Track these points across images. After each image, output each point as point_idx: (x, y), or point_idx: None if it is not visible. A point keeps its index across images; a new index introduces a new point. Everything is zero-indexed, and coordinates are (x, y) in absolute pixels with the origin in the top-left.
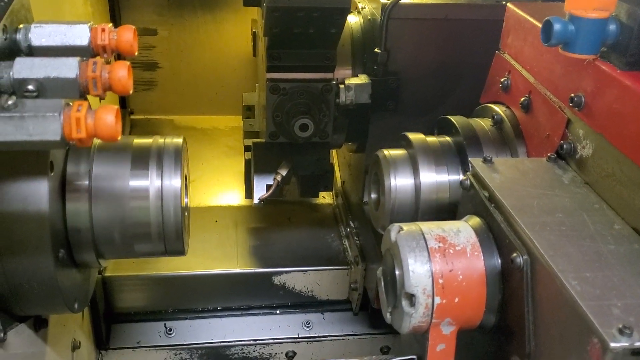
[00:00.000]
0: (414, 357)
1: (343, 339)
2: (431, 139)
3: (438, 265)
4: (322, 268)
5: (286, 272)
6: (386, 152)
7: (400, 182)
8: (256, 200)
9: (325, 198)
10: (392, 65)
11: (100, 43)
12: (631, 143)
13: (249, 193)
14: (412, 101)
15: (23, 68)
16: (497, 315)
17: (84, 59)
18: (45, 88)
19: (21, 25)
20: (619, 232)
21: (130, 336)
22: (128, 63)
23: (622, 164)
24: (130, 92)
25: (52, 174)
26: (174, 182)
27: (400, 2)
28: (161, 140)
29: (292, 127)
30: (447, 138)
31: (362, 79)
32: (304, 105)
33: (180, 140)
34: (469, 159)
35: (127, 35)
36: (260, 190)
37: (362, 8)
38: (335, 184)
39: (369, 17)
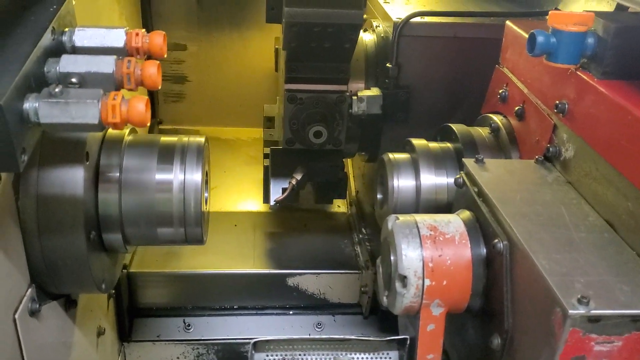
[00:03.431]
0: (407, 337)
1: None
2: (433, 144)
3: (429, 251)
4: (334, 272)
5: (300, 274)
6: (391, 155)
7: (402, 183)
8: (272, 202)
9: (340, 207)
10: (403, 79)
11: (134, 45)
12: (605, 144)
13: (266, 197)
14: (422, 113)
15: (68, 63)
16: (482, 298)
17: (120, 57)
18: (86, 81)
19: (66, 29)
20: (592, 223)
21: (151, 330)
22: (158, 62)
23: (598, 163)
24: (159, 87)
25: (87, 163)
26: (195, 176)
27: (411, 20)
28: (185, 139)
29: (307, 134)
30: (448, 144)
31: (374, 91)
32: (319, 114)
33: (202, 140)
34: (463, 159)
35: (157, 39)
36: (276, 192)
37: (376, 27)
38: (350, 194)
39: (382, 35)
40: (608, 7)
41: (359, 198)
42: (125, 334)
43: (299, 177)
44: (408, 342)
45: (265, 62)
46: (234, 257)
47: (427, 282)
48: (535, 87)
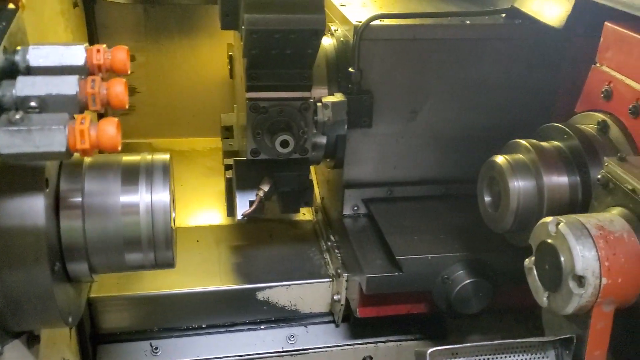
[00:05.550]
0: (572, 335)
1: (327, 351)
2: (544, 144)
3: (603, 250)
4: (305, 282)
5: (270, 287)
6: (501, 157)
7: (523, 183)
8: (239, 216)
9: (305, 215)
10: (366, 84)
11: (95, 62)
12: None
13: (230, 211)
14: (386, 117)
15: (25, 86)
16: None
17: (82, 77)
18: (47, 104)
19: (19, 47)
20: None
21: (117, 356)
22: (124, 80)
23: None
24: (127, 107)
25: (47, 191)
26: (163, 197)
27: (371, 24)
28: (149, 157)
29: (273, 144)
30: (557, 143)
31: (338, 97)
32: (284, 123)
33: (167, 157)
34: (605, 157)
35: (120, 55)
36: (243, 206)
37: (335, 30)
38: (315, 201)
39: (341, 39)
40: (566, 2)
41: (325, 204)
42: None
43: (266, 188)
44: (574, 340)
45: (218, 70)
46: (199, 275)
47: (604, 280)
48: None
